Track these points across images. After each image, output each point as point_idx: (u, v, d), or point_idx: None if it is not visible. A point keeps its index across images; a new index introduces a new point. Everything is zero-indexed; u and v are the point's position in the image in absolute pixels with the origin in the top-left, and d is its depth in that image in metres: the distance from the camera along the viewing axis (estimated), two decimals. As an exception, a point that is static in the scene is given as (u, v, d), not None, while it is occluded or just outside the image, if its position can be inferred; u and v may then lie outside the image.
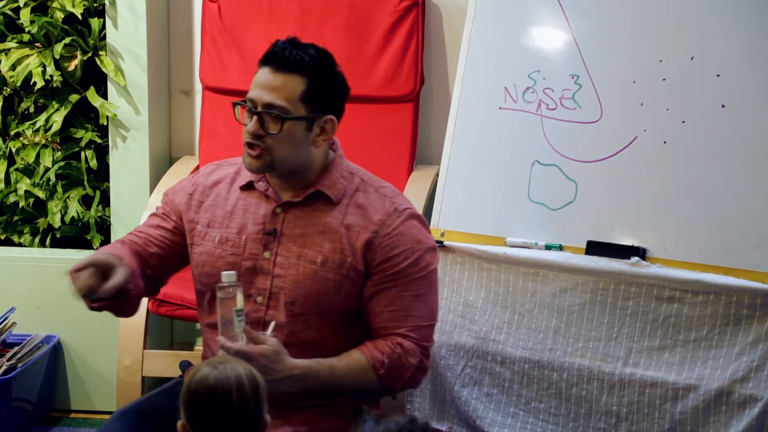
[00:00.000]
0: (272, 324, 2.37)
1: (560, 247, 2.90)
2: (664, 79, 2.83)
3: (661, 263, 2.78)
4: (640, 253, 2.80)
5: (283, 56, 2.37)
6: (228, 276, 2.30)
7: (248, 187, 2.49)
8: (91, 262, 2.33)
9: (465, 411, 2.98)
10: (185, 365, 2.59)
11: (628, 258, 2.80)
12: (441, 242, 3.02)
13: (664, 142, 2.82)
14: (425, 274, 2.45)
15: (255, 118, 2.38)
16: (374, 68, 3.48)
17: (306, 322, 2.43)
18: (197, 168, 3.47)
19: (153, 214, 2.58)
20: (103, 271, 2.32)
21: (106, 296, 2.30)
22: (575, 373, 2.86)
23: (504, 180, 3.01)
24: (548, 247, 2.91)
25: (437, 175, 3.20)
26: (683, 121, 2.80)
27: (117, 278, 2.31)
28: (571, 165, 2.92)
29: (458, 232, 3.03)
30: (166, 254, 2.53)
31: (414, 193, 3.33)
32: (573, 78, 2.94)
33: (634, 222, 2.84)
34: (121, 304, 2.40)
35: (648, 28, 2.87)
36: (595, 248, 2.86)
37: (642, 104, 2.85)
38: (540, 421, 2.91)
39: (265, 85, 2.38)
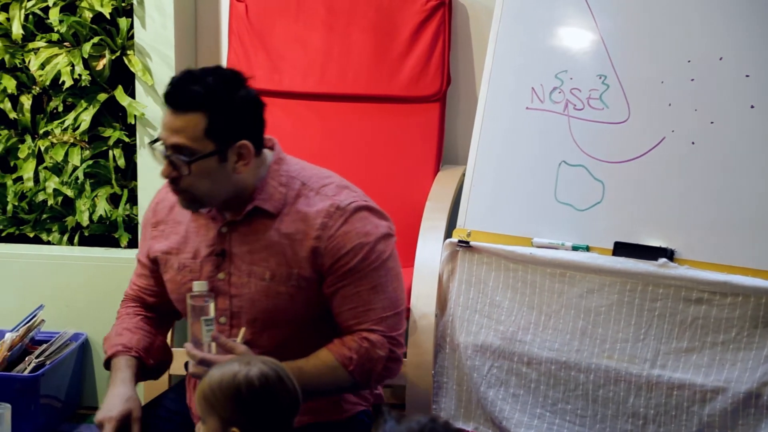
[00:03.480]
0: (242, 330, 2.37)
1: (587, 248, 2.89)
2: (692, 80, 2.81)
3: (689, 265, 2.77)
4: (668, 254, 2.79)
5: (177, 95, 2.32)
6: (199, 285, 2.33)
7: (196, 210, 2.47)
8: (113, 417, 2.41)
9: (491, 411, 2.97)
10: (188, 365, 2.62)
11: (656, 259, 2.79)
12: (467, 242, 3.02)
13: (693, 143, 2.81)
14: (379, 264, 2.42)
15: (166, 161, 2.35)
16: (401, 68, 3.48)
17: (271, 336, 2.44)
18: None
19: (137, 259, 2.65)
20: (125, 418, 2.42)
21: None
22: (602, 374, 2.85)
23: (531, 180, 3.00)
24: (575, 248, 2.91)
25: (463, 175, 3.19)
26: (711, 122, 2.79)
27: (135, 429, 2.42)
28: (599, 165, 2.91)
29: (484, 232, 3.03)
30: (163, 296, 2.59)
31: (440, 194, 3.32)
32: (600, 78, 2.93)
33: (661, 223, 2.83)
34: (154, 374, 2.61)
35: (676, 28, 2.86)
36: (622, 249, 2.85)
37: (670, 105, 2.84)
38: (566, 422, 2.91)
39: (168, 127, 2.34)
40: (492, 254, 3.00)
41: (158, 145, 2.37)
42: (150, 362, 2.56)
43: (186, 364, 2.62)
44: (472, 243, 3.02)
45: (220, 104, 2.31)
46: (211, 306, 2.32)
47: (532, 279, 2.95)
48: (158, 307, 2.62)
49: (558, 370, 2.91)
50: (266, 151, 2.46)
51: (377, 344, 2.41)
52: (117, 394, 2.44)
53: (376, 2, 3.49)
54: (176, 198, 2.44)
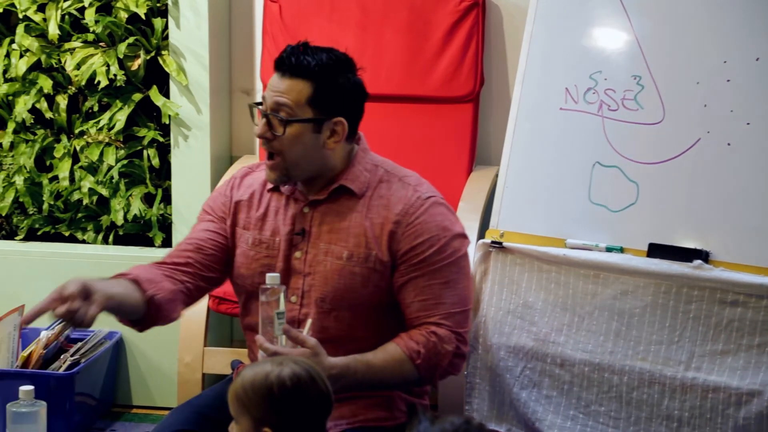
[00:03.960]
0: (309, 322, 2.39)
1: (621, 250, 2.88)
2: (728, 80, 2.79)
3: (724, 267, 2.75)
4: (703, 256, 2.78)
5: (288, 62, 2.42)
6: (272, 278, 2.33)
7: (277, 189, 2.53)
8: (77, 282, 2.27)
9: (524, 413, 2.97)
10: (236, 364, 2.63)
11: (691, 261, 2.77)
12: (500, 243, 3.01)
13: (728, 144, 2.79)
14: (453, 260, 2.46)
15: (263, 120, 2.43)
16: (434, 68, 3.48)
17: (337, 318, 2.46)
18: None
19: (202, 217, 2.60)
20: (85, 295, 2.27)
21: (89, 323, 2.25)
22: (636, 376, 2.84)
23: (564, 181, 2.99)
24: (609, 249, 2.89)
25: (497, 175, 3.19)
26: (748, 123, 2.77)
27: (93, 309, 2.26)
28: (633, 166, 2.90)
29: (518, 233, 3.02)
30: (214, 254, 2.53)
31: (473, 194, 3.32)
32: (635, 79, 2.92)
33: (696, 224, 2.81)
34: (158, 314, 2.43)
35: (712, 28, 2.84)
36: (656, 251, 2.83)
37: (705, 105, 2.82)
38: (600, 424, 2.89)
39: (273, 88, 2.43)
40: (525, 255, 3.00)
41: (256, 104, 2.46)
42: (148, 291, 2.41)
43: (233, 363, 2.64)
44: (505, 244, 3.01)
45: (326, 78, 2.41)
46: (282, 298, 2.33)
47: (566, 280, 2.94)
48: (184, 267, 2.52)
49: (591, 371, 2.90)
50: (354, 145, 2.53)
51: (445, 339, 2.43)
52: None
53: (410, 2, 3.49)
54: (255, 180, 2.52)
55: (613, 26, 2.98)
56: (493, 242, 3.03)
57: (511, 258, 3.02)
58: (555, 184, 3.00)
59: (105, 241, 3.66)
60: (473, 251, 3.05)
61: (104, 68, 3.52)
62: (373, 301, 2.47)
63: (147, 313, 2.43)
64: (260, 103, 2.46)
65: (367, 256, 2.44)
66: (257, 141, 3.67)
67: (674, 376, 2.80)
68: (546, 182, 3.02)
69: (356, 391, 2.44)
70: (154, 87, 3.58)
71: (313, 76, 2.40)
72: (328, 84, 2.42)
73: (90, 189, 3.60)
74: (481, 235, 3.12)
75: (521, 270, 3.01)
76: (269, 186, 2.54)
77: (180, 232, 3.61)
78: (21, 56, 3.60)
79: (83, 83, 3.58)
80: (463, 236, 2.51)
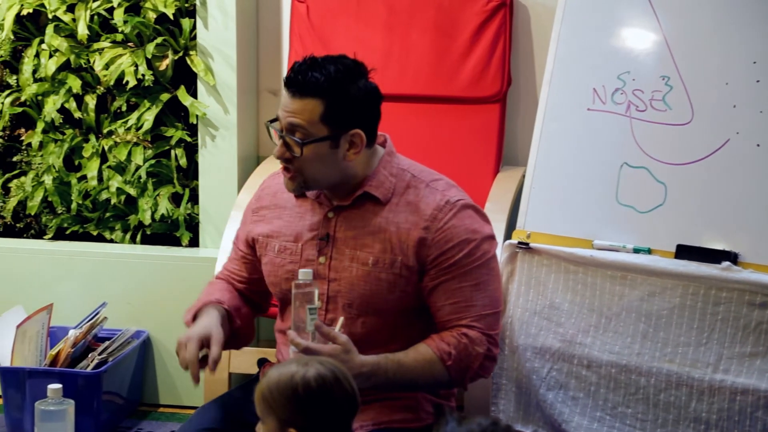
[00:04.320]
0: (341, 320, 2.39)
1: (649, 251, 2.87)
2: (758, 81, 2.78)
3: (753, 268, 2.73)
4: (732, 257, 2.76)
5: (297, 81, 2.39)
6: (304, 274, 2.34)
7: (302, 194, 2.53)
8: (192, 336, 2.43)
9: (550, 414, 2.96)
10: (263, 362, 2.64)
11: (719, 262, 2.76)
12: (527, 244, 3.01)
13: (758, 145, 2.77)
14: (483, 262, 2.46)
15: (280, 141, 2.42)
16: (461, 69, 3.48)
17: (364, 323, 2.47)
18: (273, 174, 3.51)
19: (233, 244, 2.70)
20: (205, 340, 2.43)
21: (213, 369, 2.42)
22: (663, 378, 2.83)
23: (592, 182, 2.98)
24: (636, 251, 2.88)
25: (523, 176, 3.18)
26: (777, 124, 2.76)
27: (215, 350, 2.41)
28: (661, 167, 2.89)
29: (544, 234, 3.01)
30: (251, 284, 2.65)
31: (500, 195, 3.32)
32: (663, 79, 2.91)
33: (725, 226, 2.79)
34: (237, 341, 2.60)
35: (741, 28, 2.82)
36: (684, 252, 2.82)
37: (735, 106, 2.81)
38: (627, 426, 2.88)
39: (286, 108, 2.41)
40: (552, 256, 2.99)
41: (274, 125, 2.44)
42: (237, 322, 2.58)
43: (259, 361, 2.65)
44: (531, 245, 3.01)
45: (337, 92, 2.39)
46: (316, 294, 2.33)
47: (593, 281, 2.93)
48: (244, 294, 2.65)
49: (618, 373, 2.89)
50: (378, 147, 2.52)
51: (476, 341, 2.43)
52: (199, 323, 2.47)
53: (437, 2, 3.49)
54: (281, 183, 2.51)
55: (641, 26, 2.96)
56: (519, 243, 3.02)
57: (538, 259, 3.01)
58: (582, 185, 2.99)
59: (132, 241, 3.67)
60: (500, 252, 3.05)
61: (132, 68, 3.54)
62: (400, 306, 2.47)
63: (230, 340, 2.56)
64: (275, 120, 2.44)
65: (392, 261, 2.44)
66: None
67: (702, 378, 2.78)
68: (573, 183, 3.01)
69: (386, 391, 2.44)
70: (182, 87, 3.59)
71: (324, 92, 2.38)
72: (339, 98, 2.39)
73: (118, 188, 3.62)
74: (508, 235, 3.11)
75: (548, 271, 3.00)
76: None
77: (207, 232, 3.62)
78: (50, 56, 3.62)
79: (112, 83, 3.60)
80: (492, 238, 2.51)
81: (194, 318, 2.54)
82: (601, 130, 2.98)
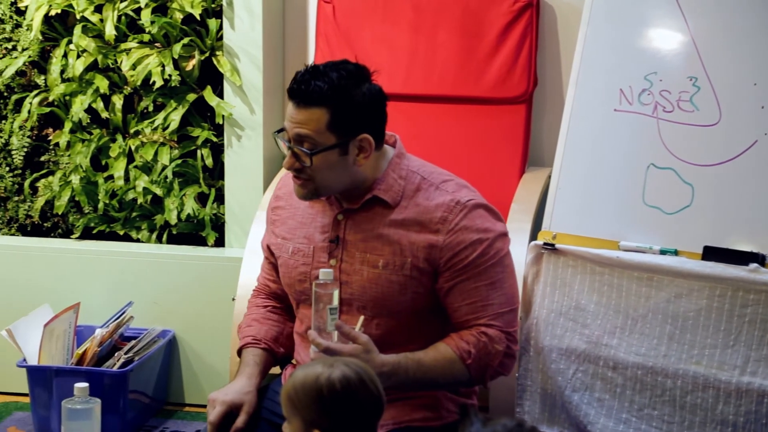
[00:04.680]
0: (361, 319, 2.40)
1: (676, 252, 2.86)
2: (786, 82, 2.76)
3: (780, 270, 2.72)
4: (759, 259, 2.74)
5: (300, 91, 2.38)
6: (325, 273, 2.34)
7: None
8: (224, 401, 2.46)
9: (576, 416, 2.95)
10: (285, 364, 2.66)
11: (747, 264, 2.74)
12: (552, 245, 3.00)
13: (786, 147, 2.76)
14: (497, 260, 2.46)
15: (289, 152, 2.42)
16: (487, 69, 3.47)
17: (378, 325, 2.47)
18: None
19: (263, 250, 2.72)
20: (235, 407, 2.47)
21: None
22: (690, 380, 2.81)
23: (618, 183, 2.97)
24: (663, 252, 2.87)
25: (549, 177, 3.17)
26: (806, 125, 2.74)
27: (240, 420, 2.44)
28: (688, 168, 2.87)
29: (570, 235, 3.01)
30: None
31: (525, 196, 3.31)
32: (691, 80, 2.89)
33: (752, 227, 2.78)
34: (289, 357, 2.64)
35: (770, 29, 2.81)
36: (712, 254, 2.80)
37: (763, 107, 2.79)
38: (653, 428, 2.87)
39: (292, 119, 2.40)
40: (578, 257, 2.98)
41: (281, 135, 2.44)
42: (280, 351, 2.63)
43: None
44: (557, 246, 3.00)
45: (342, 100, 2.37)
46: (336, 294, 2.34)
47: (619, 282, 2.92)
48: (283, 295, 2.67)
49: (644, 375, 2.87)
50: (387, 147, 2.52)
51: (495, 339, 2.44)
52: (237, 384, 2.51)
53: (463, 3, 3.49)
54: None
55: (668, 27, 2.95)
56: (545, 244, 3.01)
57: (564, 260, 3.00)
58: (609, 186, 2.98)
59: (159, 240, 3.69)
60: (525, 253, 3.04)
61: (159, 68, 3.55)
62: (413, 307, 2.47)
63: (276, 360, 2.63)
64: (282, 130, 2.44)
65: (402, 264, 2.44)
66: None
67: (729, 381, 2.77)
68: (599, 184, 3.00)
69: (406, 391, 2.45)
70: (208, 87, 3.61)
71: (328, 100, 2.37)
72: (344, 105, 2.38)
73: (144, 188, 3.63)
74: (534, 236, 3.10)
75: (573, 272, 2.99)
76: None
77: (233, 232, 3.63)
78: (78, 56, 3.64)
79: (138, 83, 3.61)
80: (505, 235, 2.51)
81: (239, 352, 2.61)
82: (627, 131, 2.97)
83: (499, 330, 2.45)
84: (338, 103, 2.37)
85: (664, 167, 2.91)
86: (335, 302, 2.33)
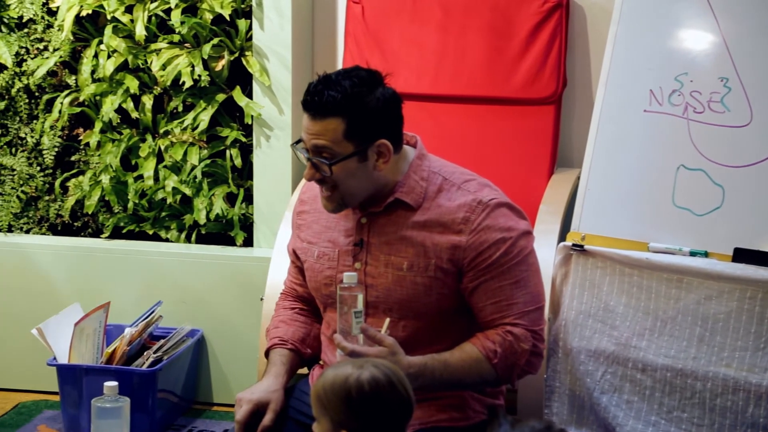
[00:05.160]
0: (387, 321, 2.40)
1: (706, 254, 2.84)
2: (818, 83, 2.74)
3: (812, 272, 2.70)
4: (790, 261, 2.73)
5: (314, 102, 2.38)
6: (349, 277, 2.35)
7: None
8: (251, 400, 2.48)
9: (604, 418, 2.94)
10: (312, 364, 2.66)
11: (778, 266, 2.73)
12: (581, 246, 2.99)
13: (818, 148, 2.74)
14: (521, 259, 2.46)
15: (309, 163, 2.42)
16: (516, 70, 3.46)
17: (405, 327, 2.47)
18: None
19: (289, 254, 2.72)
20: (262, 406, 2.48)
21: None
22: (720, 383, 2.80)
23: (648, 184, 2.96)
24: (693, 254, 2.86)
25: (578, 178, 3.16)
26: (838, 126, 2.72)
27: (267, 418, 2.45)
28: (719, 170, 2.86)
29: (599, 236, 3.00)
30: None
31: (554, 197, 3.30)
32: (722, 81, 2.88)
33: (783, 229, 2.76)
34: (315, 359, 2.64)
35: (802, 29, 2.79)
36: (742, 255, 2.79)
37: (794, 108, 2.78)
38: (682, 430, 2.85)
39: (308, 131, 2.41)
40: (606, 258, 2.97)
41: (299, 147, 2.45)
42: (307, 352, 2.63)
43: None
44: (586, 247, 2.99)
45: (357, 108, 2.38)
46: (360, 298, 2.35)
47: (648, 284, 2.91)
48: (310, 298, 2.67)
49: (674, 377, 2.86)
50: (408, 148, 2.52)
51: (521, 338, 2.43)
52: (264, 383, 2.52)
53: (493, 3, 3.48)
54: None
55: (699, 27, 2.94)
56: (574, 245, 3.00)
57: (592, 261, 2.99)
58: (638, 187, 2.97)
59: (187, 240, 3.70)
60: (553, 254, 3.03)
61: (189, 69, 3.57)
62: (439, 308, 2.47)
63: (303, 361, 2.64)
64: (300, 141, 2.45)
65: (426, 265, 2.44)
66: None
67: (760, 383, 2.75)
68: (629, 185, 2.99)
69: (433, 391, 2.45)
70: (238, 87, 3.62)
71: (343, 109, 2.37)
72: (359, 113, 2.38)
73: (174, 188, 3.65)
74: (562, 237, 3.10)
75: (602, 273, 2.98)
76: None
77: (261, 232, 3.64)
78: (109, 57, 3.66)
79: (168, 83, 3.63)
80: (529, 233, 2.50)
81: (267, 354, 2.62)
82: (657, 132, 2.96)
83: (524, 328, 2.45)
84: (353, 112, 2.38)
85: (695, 168, 2.89)
86: (360, 305, 2.34)
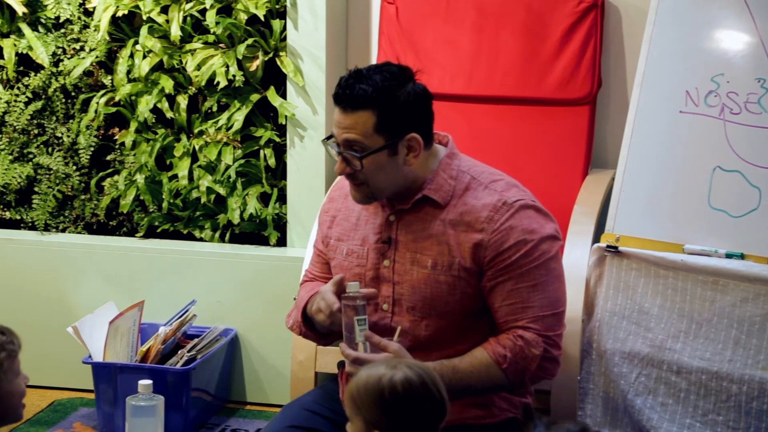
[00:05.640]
0: (399, 329, 2.41)
1: (742, 256, 2.82)
2: None
3: None
4: (828, 264, 2.71)
5: (346, 95, 2.40)
6: (352, 286, 2.38)
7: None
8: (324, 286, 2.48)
9: (639, 420, 2.92)
10: (342, 364, 2.65)
11: (815, 269, 2.71)
12: (616, 248, 2.98)
13: None
14: (541, 263, 2.44)
15: (339, 158, 2.44)
16: (550, 70, 3.45)
17: (428, 326, 2.47)
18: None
19: (314, 247, 2.72)
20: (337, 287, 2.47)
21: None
22: (756, 386, 2.78)
23: (683, 185, 2.94)
24: (729, 256, 2.84)
25: (613, 179, 3.15)
26: None
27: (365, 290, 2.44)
28: (756, 171, 2.84)
29: (634, 237, 2.98)
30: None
31: (588, 198, 3.29)
32: (759, 82, 2.86)
33: (821, 231, 2.74)
34: (330, 334, 2.59)
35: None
36: (779, 258, 2.77)
37: (832, 109, 2.75)
38: (717, 434, 2.84)
39: (339, 125, 2.43)
40: (641, 260, 2.95)
41: (331, 142, 2.46)
42: None
43: (339, 364, 2.67)
44: (620, 248, 2.98)
45: (388, 101, 2.40)
46: (364, 306, 2.36)
47: (683, 286, 2.89)
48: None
49: (709, 380, 2.84)
50: (439, 147, 2.53)
51: (532, 342, 2.42)
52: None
53: (527, 4, 3.47)
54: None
55: (736, 28, 2.92)
56: (608, 246, 2.99)
57: (627, 263, 2.98)
58: (673, 189, 2.96)
59: (221, 239, 3.71)
60: (587, 255, 3.02)
61: (223, 69, 3.58)
62: (462, 307, 2.47)
63: (330, 330, 2.56)
64: (331, 137, 2.47)
65: (450, 264, 2.44)
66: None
67: (796, 387, 2.73)
68: (664, 186, 2.98)
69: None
70: (272, 88, 3.62)
71: (374, 103, 2.39)
72: (390, 106, 2.40)
73: (208, 188, 3.66)
74: (596, 239, 3.08)
75: (637, 275, 2.97)
76: None
77: (294, 232, 3.65)
78: (144, 57, 3.68)
79: (203, 83, 3.64)
80: (553, 238, 2.48)
81: (304, 310, 2.58)
82: (693, 133, 2.94)
83: (536, 333, 2.43)
84: (384, 105, 2.40)
85: (731, 170, 2.88)
86: (363, 313, 2.36)
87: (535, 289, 2.44)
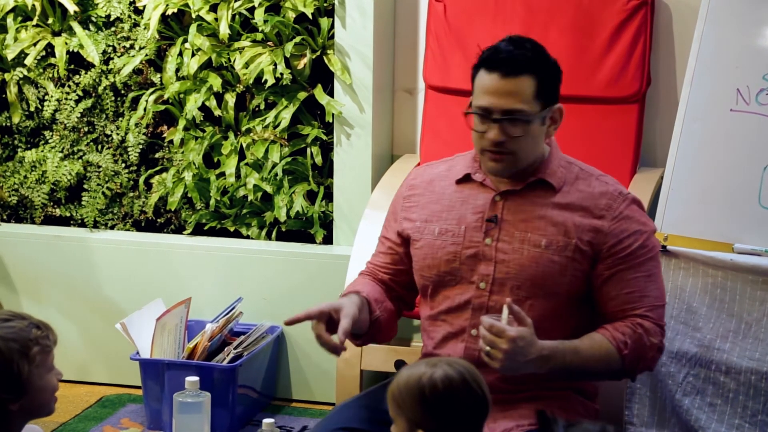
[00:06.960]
0: (506, 309, 2.35)
1: (792, 256, 2.79)
2: None
3: None
4: None
5: (507, 60, 2.40)
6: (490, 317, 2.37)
7: (464, 180, 2.55)
8: (314, 313, 2.45)
9: (686, 420, 2.90)
10: (400, 364, 2.64)
11: None
12: (664, 247, 2.95)
13: None
14: (653, 255, 2.48)
15: (497, 126, 2.41)
16: (599, 68, 3.43)
17: (531, 306, 2.45)
18: (418, 165, 3.51)
19: (380, 238, 2.68)
20: (335, 311, 2.44)
21: (341, 338, 2.40)
22: (806, 387, 2.74)
23: (733, 184, 2.92)
24: (779, 255, 2.81)
25: (661, 177, 3.12)
26: None
27: (344, 321, 2.40)
28: (807, 170, 2.81)
29: (682, 236, 2.96)
30: (396, 275, 2.63)
31: (637, 196, 3.26)
32: (811, 79, 2.82)
33: None
34: (376, 333, 2.56)
35: None
36: (830, 258, 2.73)
37: None
38: (767, 435, 2.81)
39: (498, 91, 2.41)
40: (690, 259, 2.93)
41: (476, 110, 2.44)
42: (375, 312, 2.56)
43: (397, 363, 2.66)
44: (669, 247, 2.95)
45: (546, 66, 2.45)
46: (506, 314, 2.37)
47: (732, 286, 2.87)
48: (389, 285, 2.64)
49: (758, 380, 2.81)
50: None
51: (651, 331, 2.44)
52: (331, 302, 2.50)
53: (576, 2, 3.45)
54: (437, 173, 2.56)
55: (788, 25, 2.88)
56: (657, 245, 2.96)
57: (675, 262, 2.95)
58: (723, 188, 2.93)
59: (268, 237, 3.73)
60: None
61: (271, 67, 3.59)
62: (570, 290, 2.47)
63: (369, 331, 2.55)
64: (469, 108, 2.45)
65: (566, 245, 2.45)
66: (418, 140, 3.68)
67: None
68: (713, 185, 2.95)
69: (560, 379, 2.44)
70: (319, 86, 3.63)
71: (535, 68, 2.42)
72: (548, 71, 2.45)
73: (255, 185, 3.68)
74: (645, 238, 3.06)
75: (685, 274, 2.94)
76: (455, 177, 2.56)
77: (341, 230, 3.65)
78: (193, 55, 3.70)
79: (251, 81, 3.66)
80: (655, 232, 2.54)
81: None
82: (744, 132, 2.91)
83: (653, 323, 2.45)
84: (543, 70, 2.44)
85: (782, 169, 2.84)
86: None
87: (650, 279, 2.47)
